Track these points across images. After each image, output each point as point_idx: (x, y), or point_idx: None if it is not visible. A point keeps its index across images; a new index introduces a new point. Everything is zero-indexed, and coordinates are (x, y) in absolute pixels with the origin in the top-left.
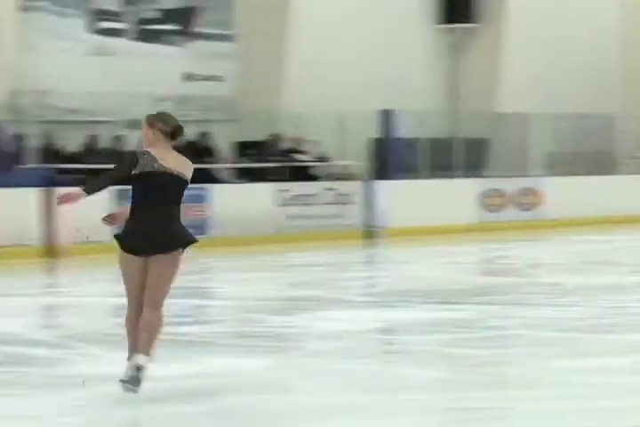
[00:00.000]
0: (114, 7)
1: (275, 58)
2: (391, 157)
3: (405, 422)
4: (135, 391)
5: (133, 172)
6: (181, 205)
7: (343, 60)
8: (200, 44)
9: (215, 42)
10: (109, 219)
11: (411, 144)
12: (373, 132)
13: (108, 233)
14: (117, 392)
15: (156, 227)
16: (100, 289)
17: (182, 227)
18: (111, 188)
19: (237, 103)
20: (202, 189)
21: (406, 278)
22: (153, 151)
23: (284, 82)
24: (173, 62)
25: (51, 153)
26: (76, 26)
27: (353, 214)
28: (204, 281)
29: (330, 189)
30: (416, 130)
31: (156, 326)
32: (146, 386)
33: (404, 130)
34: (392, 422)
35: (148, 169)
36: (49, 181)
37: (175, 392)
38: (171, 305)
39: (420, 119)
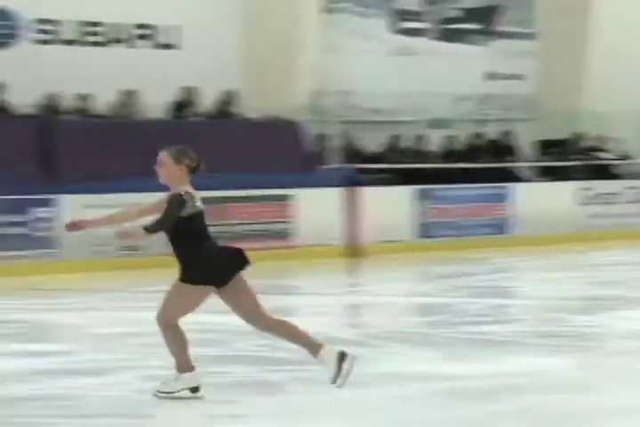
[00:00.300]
0: (416, 7)
1: (576, 55)
2: None
3: None
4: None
5: (181, 215)
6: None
7: None
8: (502, 43)
9: (516, 40)
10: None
11: None
12: None
13: (408, 233)
14: (415, 390)
15: (227, 254)
16: (401, 288)
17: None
18: (414, 187)
19: (539, 102)
20: (503, 188)
21: None
22: (190, 191)
23: (586, 79)
24: (475, 61)
25: (351, 153)
26: (378, 26)
27: None
28: (505, 280)
29: (633, 187)
30: None
31: None
32: (447, 385)
33: None
34: None
35: (195, 210)
36: (351, 181)
37: (476, 391)
38: (470, 304)
39: None
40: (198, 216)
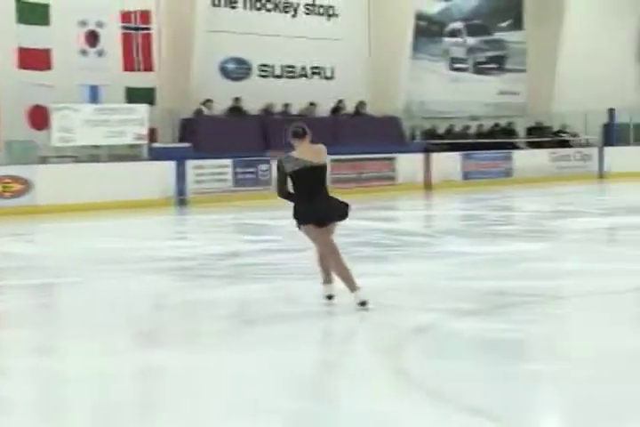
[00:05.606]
0: (462, 55)
1: (549, 80)
2: None
3: None
4: None
5: (287, 172)
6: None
7: None
8: (508, 75)
9: (515, 73)
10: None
11: None
12: None
13: (458, 176)
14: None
15: (327, 202)
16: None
17: (337, 200)
18: (460, 153)
19: (527, 106)
20: (508, 152)
21: None
22: (292, 153)
23: (554, 94)
24: (493, 84)
25: (427, 134)
26: (440, 67)
27: None
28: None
29: (578, 152)
30: None
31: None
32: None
33: None
34: None
35: (295, 168)
36: (426, 149)
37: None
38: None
39: None
40: (302, 171)
